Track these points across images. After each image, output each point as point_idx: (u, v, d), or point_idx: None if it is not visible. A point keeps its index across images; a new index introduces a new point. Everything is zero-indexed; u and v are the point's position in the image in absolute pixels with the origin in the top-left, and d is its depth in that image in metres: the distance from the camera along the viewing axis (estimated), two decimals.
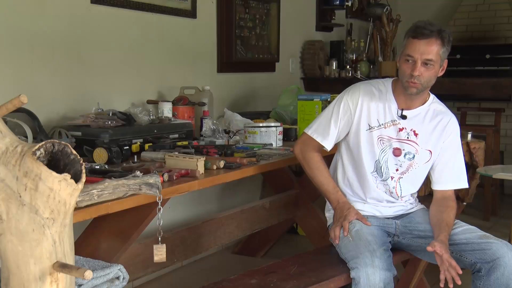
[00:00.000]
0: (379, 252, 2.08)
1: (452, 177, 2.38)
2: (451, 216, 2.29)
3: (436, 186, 2.40)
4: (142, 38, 3.23)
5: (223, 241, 3.02)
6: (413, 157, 2.33)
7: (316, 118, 2.44)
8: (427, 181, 2.45)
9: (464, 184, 2.39)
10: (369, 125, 2.31)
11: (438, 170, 2.37)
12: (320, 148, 2.38)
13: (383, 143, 2.31)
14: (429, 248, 2.11)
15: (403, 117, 2.31)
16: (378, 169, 2.33)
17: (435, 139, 2.34)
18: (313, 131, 2.37)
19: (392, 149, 2.32)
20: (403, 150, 2.32)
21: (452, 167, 2.37)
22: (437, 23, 2.23)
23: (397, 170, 2.34)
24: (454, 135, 2.37)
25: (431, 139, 2.34)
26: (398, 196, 2.38)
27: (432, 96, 2.37)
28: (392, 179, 2.34)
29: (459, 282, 2.08)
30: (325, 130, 2.35)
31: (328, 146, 2.36)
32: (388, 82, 2.37)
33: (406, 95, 2.29)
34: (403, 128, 2.31)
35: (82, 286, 1.54)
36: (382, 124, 2.31)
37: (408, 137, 2.32)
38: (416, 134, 2.32)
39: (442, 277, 2.11)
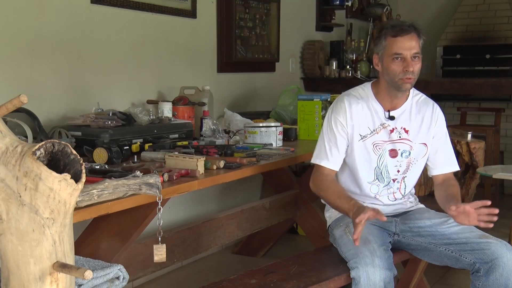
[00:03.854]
0: (379, 251, 2.08)
1: (446, 161, 2.40)
2: (455, 191, 2.30)
3: (434, 172, 2.41)
4: (142, 38, 3.23)
5: (223, 241, 3.02)
6: (409, 154, 2.33)
7: (316, 146, 2.38)
8: (427, 180, 2.45)
9: (457, 167, 2.42)
10: (360, 135, 2.30)
11: (432, 156, 2.39)
12: (331, 172, 2.32)
13: (379, 148, 2.31)
14: (453, 208, 2.11)
15: (391, 118, 2.31)
16: (379, 176, 2.33)
17: (425, 131, 2.35)
18: (315, 157, 2.33)
19: (388, 152, 2.32)
20: (399, 150, 2.32)
21: (443, 151, 2.39)
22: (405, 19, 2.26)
23: (398, 171, 2.34)
24: (441, 121, 2.39)
25: (421, 132, 2.34)
26: (402, 195, 2.38)
27: (412, 89, 2.38)
28: (394, 181, 2.35)
29: (496, 214, 2.11)
30: (327, 154, 2.30)
31: (335, 167, 2.31)
32: (367, 86, 2.37)
33: (391, 96, 2.30)
34: (393, 129, 2.31)
35: (82, 286, 1.54)
36: (374, 130, 2.31)
37: (400, 136, 2.32)
38: (406, 131, 2.32)
39: (482, 225, 2.13)
